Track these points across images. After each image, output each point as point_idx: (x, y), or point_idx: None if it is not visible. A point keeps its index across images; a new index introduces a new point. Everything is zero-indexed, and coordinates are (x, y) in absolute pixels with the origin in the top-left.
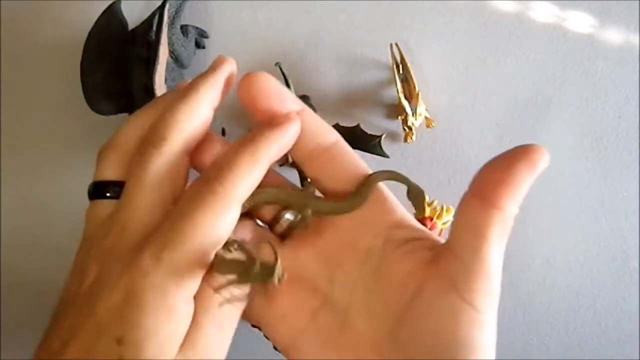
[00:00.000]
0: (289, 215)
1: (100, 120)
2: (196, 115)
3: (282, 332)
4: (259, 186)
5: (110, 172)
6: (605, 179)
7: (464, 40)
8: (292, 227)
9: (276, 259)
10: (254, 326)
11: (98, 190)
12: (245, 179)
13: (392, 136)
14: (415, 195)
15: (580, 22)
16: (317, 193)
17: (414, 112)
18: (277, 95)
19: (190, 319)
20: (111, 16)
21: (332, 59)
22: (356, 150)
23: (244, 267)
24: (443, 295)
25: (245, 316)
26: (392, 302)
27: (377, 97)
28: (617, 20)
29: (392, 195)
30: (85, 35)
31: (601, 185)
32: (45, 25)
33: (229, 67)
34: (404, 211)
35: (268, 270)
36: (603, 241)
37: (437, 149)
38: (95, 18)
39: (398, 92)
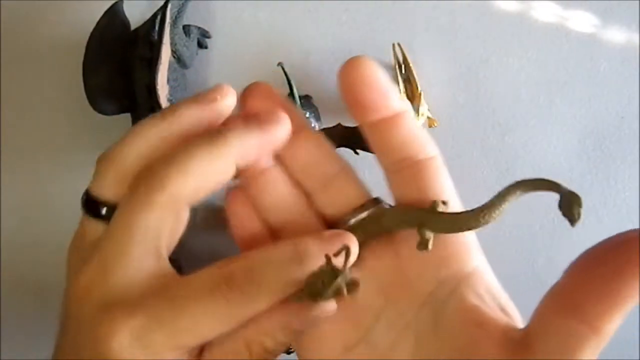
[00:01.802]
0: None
1: (103, 121)
2: (214, 173)
3: (313, 355)
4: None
5: (107, 191)
6: (607, 179)
7: (466, 40)
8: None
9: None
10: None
11: (92, 205)
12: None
13: None
14: (570, 205)
15: (582, 22)
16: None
17: (417, 112)
18: (382, 90)
19: None
20: (113, 16)
21: (335, 59)
22: (359, 151)
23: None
24: None
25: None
26: None
27: None
28: (620, 20)
29: (475, 237)
30: (87, 35)
31: (603, 186)
32: (47, 25)
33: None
34: (482, 260)
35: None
36: None
37: (439, 149)
38: (97, 18)
39: (400, 92)
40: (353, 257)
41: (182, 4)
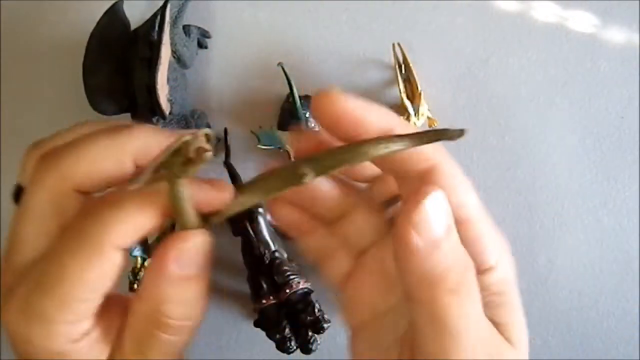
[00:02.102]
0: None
1: (103, 121)
2: (108, 161)
3: (349, 319)
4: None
5: (26, 177)
6: (607, 179)
7: (466, 40)
8: None
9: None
10: (256, 326)
11: (17, 192)
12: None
13: None
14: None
15: (582, 22)
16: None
17: (416, 112)
18: (354, 120)
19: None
20: (113, 16)
21: (335, 59)
22: None
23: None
24: None
25: (331, 278)
26: None
27: (380, 97)
28: (620, 20)
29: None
30: (88, 35)
31: (603, 185)
32: (47, 25)
33: None
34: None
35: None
36: (605, 241)
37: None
38: (98, 18)
39: (400, 92)
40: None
41: (182, 4)
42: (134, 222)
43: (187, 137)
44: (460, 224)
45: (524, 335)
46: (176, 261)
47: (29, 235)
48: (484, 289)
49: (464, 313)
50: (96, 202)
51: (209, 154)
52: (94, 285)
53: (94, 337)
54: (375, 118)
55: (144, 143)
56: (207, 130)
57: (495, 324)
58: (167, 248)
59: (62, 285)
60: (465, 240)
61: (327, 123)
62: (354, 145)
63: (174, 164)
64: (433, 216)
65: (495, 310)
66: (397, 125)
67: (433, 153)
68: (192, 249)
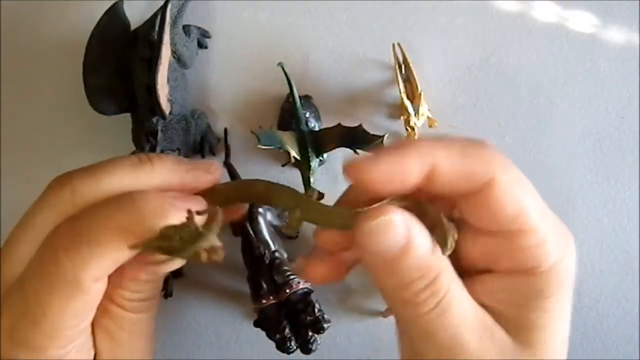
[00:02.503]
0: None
1: (103, 121)
2: (126, 184)
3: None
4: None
5: None
6: (607, 179)
7: (466, 40)
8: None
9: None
10: (256, 326)
11: None
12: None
13: (395, 136)
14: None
15: (582, 21)
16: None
17: (417, 112)
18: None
19: None
20: (113, 16)
21: (334, 59)
22: (359, 151)
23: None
24: None
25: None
26: None
27: (380, 97)
28: (620, 20)
29: None
30: (88, 35)
31: (603, 186)
32: (47, 25)
33: None
34: None
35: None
36: (605, 241)
37: None
38: (97, 18)
39: (400, 92)
40: (218, 222)
41: (182, 4)
42: (111, 257)
43: (195, 224)
44: (518, 234)
45: (557, 345)
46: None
47: (24, 253)
48: (532, 291)
49: (427, 322)
50: (70, 233)
51: (220, 257)
52: (80, 313)
53: (83, 341)
54: (410, 166)
55: (165, 177)
56: (218, 224)
57: (525, 328)
58: None
59: (48, 319)
60: (525, 249)
61: (367, 190)
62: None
63: (174, 238)
64: (382, 239)
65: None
66: (439, 158)
67: (485, 168)
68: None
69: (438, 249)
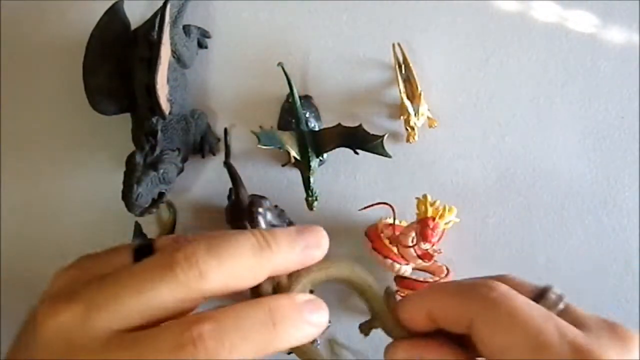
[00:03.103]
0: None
1: (103, 121)
2: (247, 276)
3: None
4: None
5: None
6: (607, 178)
7: (466, 40)
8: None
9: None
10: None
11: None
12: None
13: (395, 136)
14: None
15: (582, 22)
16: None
17: (416, 112)
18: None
19: None
20: (113, 16)
21: (335, 59)
22: (359, 151)
23: None
24: None
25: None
26: None
27: (380, 97)
28: (620, 19)
29: None
30: (88, 35)
31: (603, 185)
32: (47, 25)
33: None
34: None
35: None
36: (605, 241)
37: (440, 149)
38: (98, 18)
39: (400, 92)
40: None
41: (182, 4)
42: None
43: None
44: None
45: None
46: None
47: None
48: None
49: None
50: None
51: None
52: None
53: None
54: (413, 314)
55: (284, 261)
56: None
57: None
58: None
59: None
60: None
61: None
62: None
63: None
64: None
65: None
66: (431, 305)
67: (467, 309)
68: None
69: None
